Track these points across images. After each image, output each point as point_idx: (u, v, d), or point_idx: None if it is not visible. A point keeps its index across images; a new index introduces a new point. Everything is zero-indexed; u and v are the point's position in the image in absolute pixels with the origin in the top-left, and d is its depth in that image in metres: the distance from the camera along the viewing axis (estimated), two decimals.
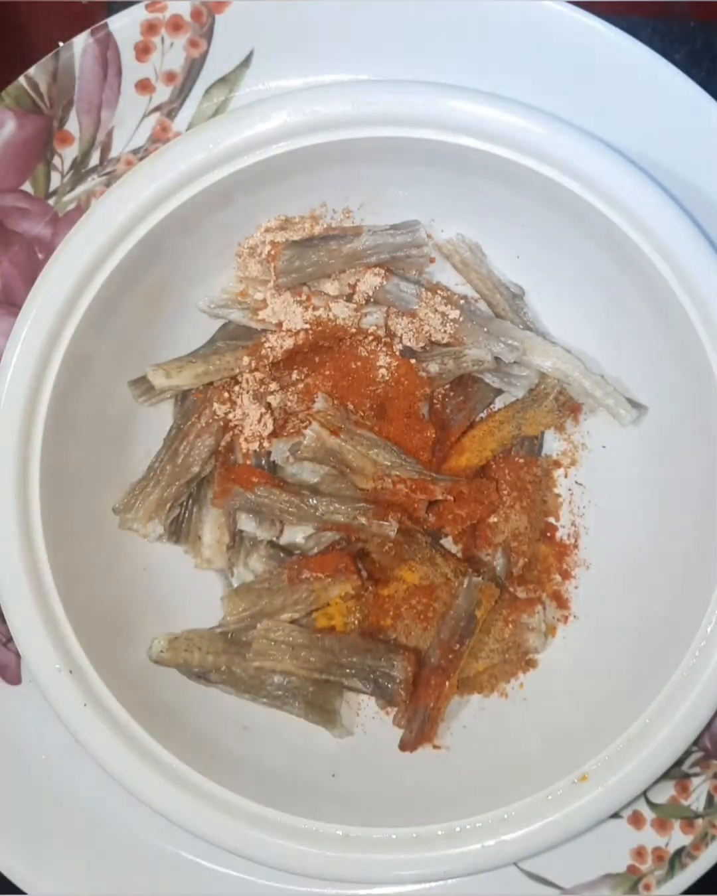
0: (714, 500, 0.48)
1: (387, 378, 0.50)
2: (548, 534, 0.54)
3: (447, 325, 0.50)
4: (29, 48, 0.47)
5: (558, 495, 0.54)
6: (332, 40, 0.48)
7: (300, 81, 0.49)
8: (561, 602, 0.53)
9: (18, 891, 0.50)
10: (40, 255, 0.49)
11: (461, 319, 0.50)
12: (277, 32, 0.48)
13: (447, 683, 0.50)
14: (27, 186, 0.49)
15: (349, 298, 0.51)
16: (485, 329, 0.50)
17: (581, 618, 0.53)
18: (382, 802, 0.49)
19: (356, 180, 0.49)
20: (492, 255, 0.52)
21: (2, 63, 0.49)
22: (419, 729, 0.50)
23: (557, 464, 0.54)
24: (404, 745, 0.51)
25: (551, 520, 0.54)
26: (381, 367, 0.50)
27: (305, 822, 0.47)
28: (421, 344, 0.51)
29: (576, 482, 0.54)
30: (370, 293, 0.50)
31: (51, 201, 0.49)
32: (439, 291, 0.51)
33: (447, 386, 0.52)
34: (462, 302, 0.51)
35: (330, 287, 0.50)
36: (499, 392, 0.53)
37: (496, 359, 0.50)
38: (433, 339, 0.51)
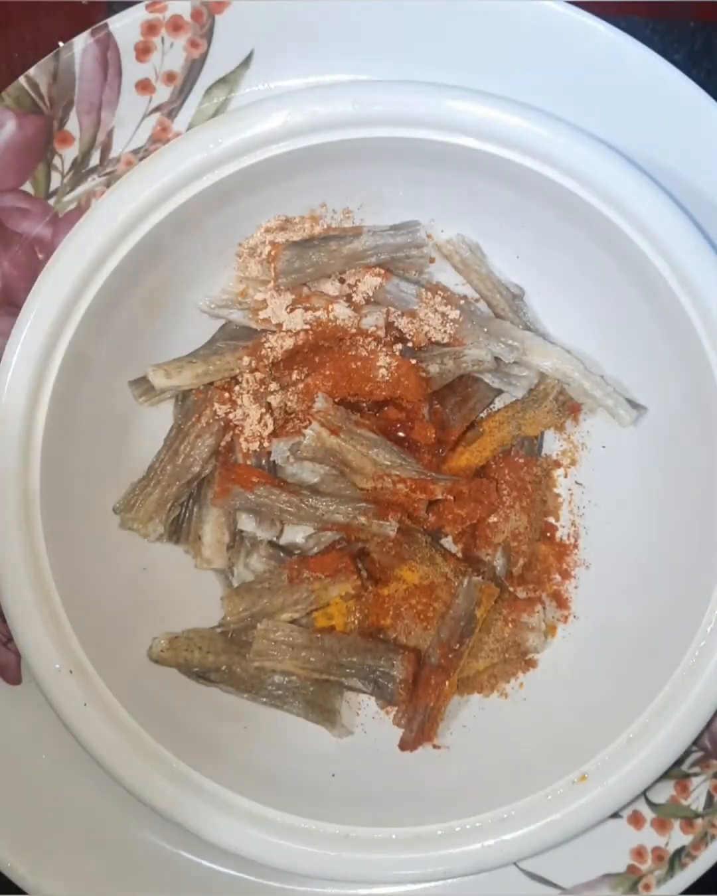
0: (714, 500, 0.48)
1: (387, 378, 0.50)
2: (548, 534, 0.54)
3: (447, 325, 0.50)
4: (29, 48, 0.47)
5: (558, 495, 0.54)
6: (332, 40, 0.48)
7: (300, 81, 0.48)
8: (561, 602, 0.53)
9: (19, 891, 0.50)
10: (40, 256, 0.49)
11: (461, 319, 0.50)
12: (277, 32, 0.48)
13: (447, 683, 0.50)
14: (27, 187, 0.49)
15: (349, 299, 0.51)
16: (485, 329, 0.50)
17: (581, 618, 0.53)
18: (382, 802, 0.49)
19: (356, 180, 0.49)
20: (492, 255, 0.52)
21: (2, 63, 0.49)
22: (419, 728, 0.50)
23: (557, 464, 0.54)
24: (405, 745, 0.51)
25: (551, 520, 0.54)
26: (381, 367, 0.50)
27: (306, 821, 0.47)
28: (421, 344, 0.51)
29: (576, 482, 0.54)
30: (370, 293, 0.50)
31: (51, 201, 0.49)
32: (439, 291, 0.51)
33: (447, 386, 0.52)
34: (462, 302, 0.51)
35: (330, 287, 0.50)
36: (499, 392, 0.53)
37: (496, 359, 0.50)
38: (433, 339, 0.50)
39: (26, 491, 0.46)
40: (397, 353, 0.50)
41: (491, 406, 0.54)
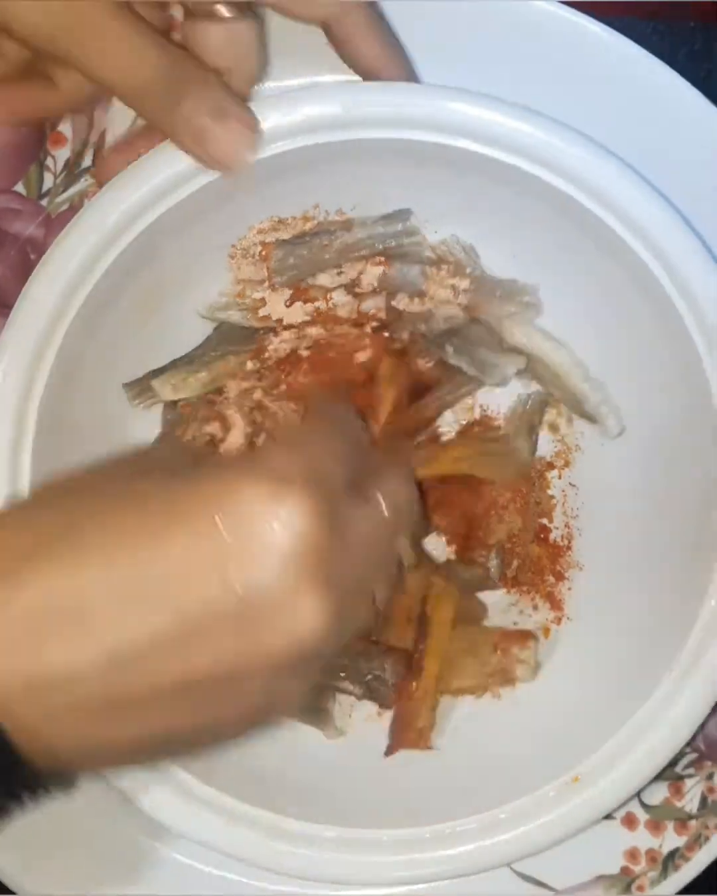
0: (708, 502, 0.47)
1: (365, 359, 0.49)
2: (541, 535, 0.54)
3: (459, 296, 0.50)
4: None
5: (552, 497, 0.54)
6: (326, 41, 0.48)
7: (295, 82, 0.48)
8: (554, 603, 0.53)
9: (10, 892, 0.50)
10: (33, 256, 0.49)
11: (472, 287, 0.50)
12: (272, 33, 0.48)
13: (414, 685, 0.50)
14: (20, 187, 0.49)
15: (350, 291, 0.50)
16: (497, 293, 0.50)
17: (574, 619, 0.53)
18: (374, 804, 0.49)
19: (349, 181, 0.49)
20: (486, 257, 0.52)
21: None
22: (397, 734, 0.50)
23: (550, 465, 0.54)
24: (388, 751, 0.51)
25: (545, 521, 0.54)
26: (360, 350, 0.49)
27: (296, 823, 0.47)
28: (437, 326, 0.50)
29: (570, 483, 0.54)
30: (375, 284, 0.50)
31: (44, 202, 0.49)
32: (444, 263, 0.50)
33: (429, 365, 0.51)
34: (469, 270, 0.51)
35: (326, 280, 0.50)
36: (480, 385, 0.52)
37: (475, 321, 0.50)
38: (447, 314, 0.50)
39: (15, 496, 0.45)
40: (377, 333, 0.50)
41: (474, 401, 0.53)
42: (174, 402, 0.51)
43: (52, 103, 0.45)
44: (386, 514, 0.36)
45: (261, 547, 0.29)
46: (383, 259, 0.50)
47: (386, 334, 0.50)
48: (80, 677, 0.29)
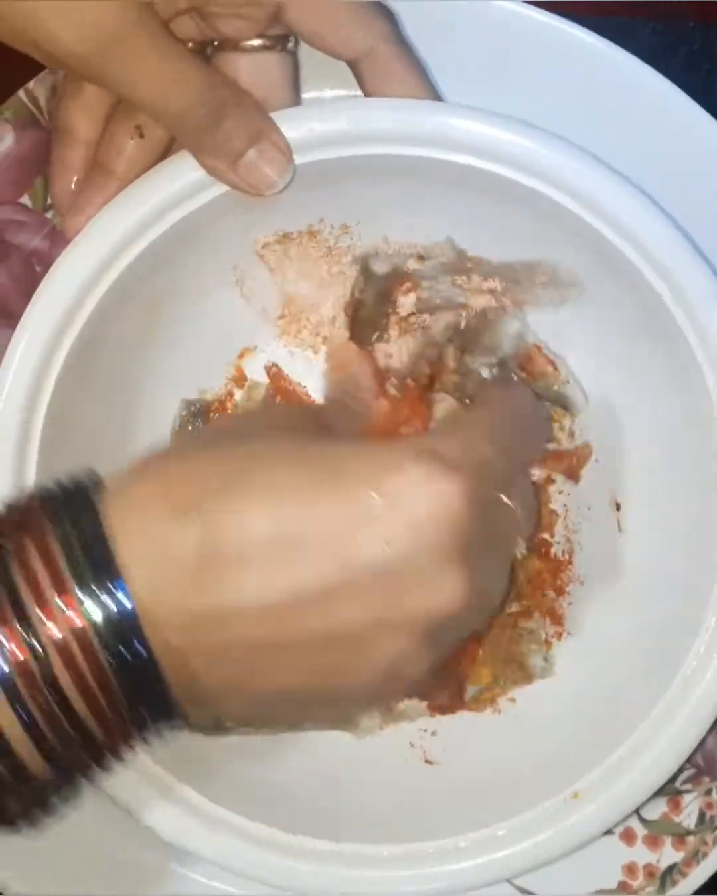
0: (709, 518, 0.47)
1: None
2: (542, 550, 0.54)
3: (501, 298, 0.50)
4: (28, 61, 0.47)
5: (554, 511, 0.54)
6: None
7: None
8: (555, 618, 0.53)
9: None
10: (38, 268, 0.49)
11: (508, 284, 0.50)
12: None
13: (479, 650, 0.51)
14: (25, 199, 0.49)
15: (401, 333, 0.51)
16: (539, 280, 0.50)
17: (575, 634, 0.53)
18: (373, 818, 0.49)
19: (354, 196, 0.49)
20: None
21: (1, 76, 0.49)
22: (456, 692, 0.51)
23: (551, 480, 0.54)
24: (442, 709, 0.51)
25: (546, 535, 0.54)
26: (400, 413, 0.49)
27: (295, 836, 0.47)
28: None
29: (571, 497, 0.54)
30: (413, 308, 0.50)
31: (49, 214, 0.49)
32: (469, 267, 0.50)
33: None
34: (495, 264, 0.50)
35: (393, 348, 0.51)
36: None
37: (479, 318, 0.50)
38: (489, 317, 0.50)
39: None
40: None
41: None
42: (190, 402, 0.52)
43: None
44: (519, 516, 0.39)
45: (418, 517, 0.31)
46: (410, 284, 0.50)
47: (410, 382, 0.50)
48: (242, 618, 0.30)
